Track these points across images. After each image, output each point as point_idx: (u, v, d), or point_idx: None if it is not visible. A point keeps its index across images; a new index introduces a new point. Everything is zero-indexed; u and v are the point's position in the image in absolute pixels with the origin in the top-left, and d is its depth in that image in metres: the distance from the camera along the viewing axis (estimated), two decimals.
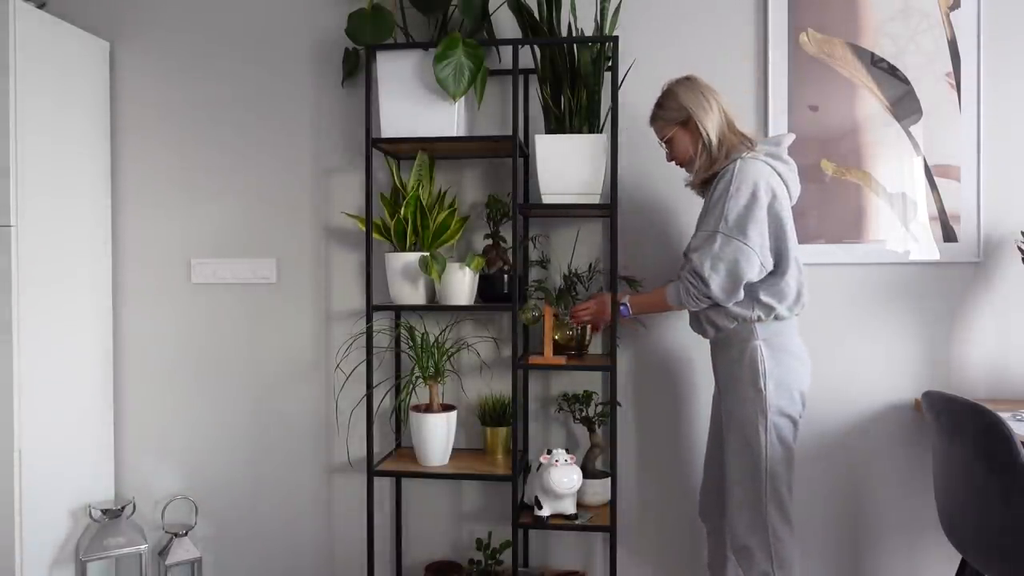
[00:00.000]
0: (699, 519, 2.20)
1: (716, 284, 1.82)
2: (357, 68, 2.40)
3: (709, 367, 2.29)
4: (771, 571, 1.84)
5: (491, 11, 2.31)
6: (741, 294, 1.84)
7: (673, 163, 2.04)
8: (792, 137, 1.97)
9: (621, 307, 2.03)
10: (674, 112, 1.94)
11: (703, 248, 1.84)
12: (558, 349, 2.25)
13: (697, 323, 2.02)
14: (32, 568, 2.20)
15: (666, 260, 2.35)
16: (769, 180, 1.84)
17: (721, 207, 1.82)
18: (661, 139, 2.01)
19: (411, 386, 2.30)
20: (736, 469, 1.88)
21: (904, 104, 2.27)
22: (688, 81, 1.95)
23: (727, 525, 1.93)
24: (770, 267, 1.85)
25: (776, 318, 1.87)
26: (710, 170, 1.91)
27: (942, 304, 2.28)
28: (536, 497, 2.13)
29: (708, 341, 2.05)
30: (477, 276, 2.22)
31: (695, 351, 2.35)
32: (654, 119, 2.01)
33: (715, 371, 2.02)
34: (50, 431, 2.27)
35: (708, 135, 1.89)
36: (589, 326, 2.24)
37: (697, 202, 2.33)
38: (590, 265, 2.35)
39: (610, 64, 2.15)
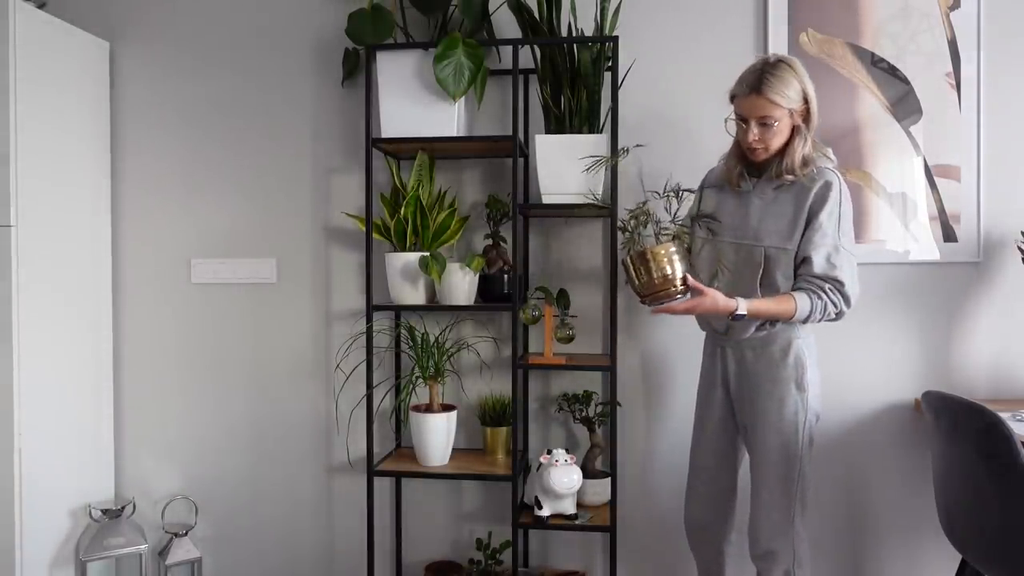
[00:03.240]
0: (687, 534, 2.07)
1: (854, 302, 1.78)
2: (357, 68, 2.40)
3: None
4: (792, 570, 1.83)
5: (491, 11, 2.31)
6: (846, 296, 1.79)
7: (753, 143, 1.79)
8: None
9: (734, 318, 1.75)
10: (793, 98, 1.76)
11: (842, 266, 1.75)
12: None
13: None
14: (32, 568, 2.20)
15: None
16: (846, 199, 1.81)
17: (836, 221, 1.76)
18: (759, 118, 1.76)
19: (411, 386, 2.30)
20: (768, 473, 1.84)
21: (904, 104, 2.27)
22: (800, 67, 1.79)
23: (751, 530, 1.88)
24: None
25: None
26: (800, 171, 1.79)
27: (942, 304, 2.28)
28: (536, 497, 2.13)
29: (726, 341, 1.93)
30: (477, 276, 2.22)
31: (695, 351, 2.34)
32: (766, 90, 1.73)
33: (740, 373, 1.90)
34: (50, 431, 2.27)
35: (809, 136, 1.80)
36: None
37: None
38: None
39: (610, 64, 2.16)
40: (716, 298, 1.74)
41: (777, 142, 1.79)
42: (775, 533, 1.83)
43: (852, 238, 1.81)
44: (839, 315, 1.78)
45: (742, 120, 1.79)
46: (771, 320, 1.81)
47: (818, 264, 1.75)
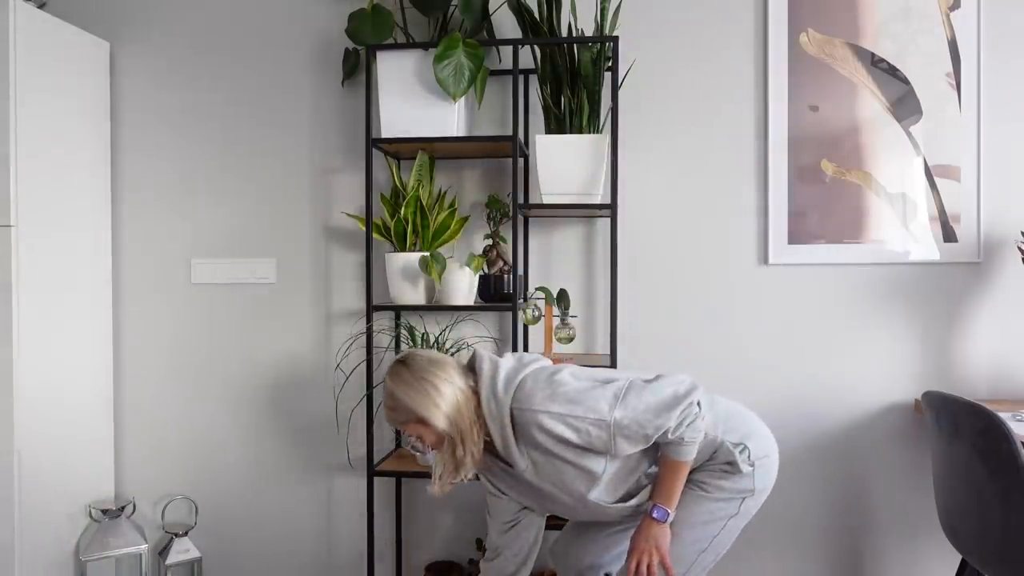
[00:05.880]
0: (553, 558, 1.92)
1: (683, 390, 1.55)
2: (357, 68, 2.40)
3: (710, 364, 2.30)
4: None
5: (491, 11, 2.31)
6: (686, 380, 1.58)
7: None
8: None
9: (659, 517, 1.60)
10: (403, 415, 1.59)
11: (643, 427, 1.51)
12: None
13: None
14: (32, 568, 2.20)
15: (666, 260, 2.35)
16: (556, 372, 1.59)
17: (586, 422, 1.51)
18: (410, 435, 1.65)
19: None
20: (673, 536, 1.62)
21: (904, 104, 2.27)
22: (400, 374, 1.59)
23: None
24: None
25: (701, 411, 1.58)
26: (513, 443, 1.57)
27: (942, 304, 2.28)
28: None
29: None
30: (477, 276, 2.22)
31: (696, 349, 2.34)
32: (390, 421, 1.66)
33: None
34: (50, 431, 2.27)
35: (445, 429, 1.56)
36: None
37: (700, 202, 2.34)
38: None
39: (610, 64, 2.16)
40: (642, 532, 1.61)
41: (435, 443, 1.62)
42: None
43: (589, 394, 1.54)
44: (700, 411, 1.55)
45: None
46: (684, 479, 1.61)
47: (638, 442, 1.54)
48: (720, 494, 1.64)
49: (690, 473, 1.63)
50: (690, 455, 1.57)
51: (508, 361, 1.63)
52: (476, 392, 1.60)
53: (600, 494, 1.61)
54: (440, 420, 1.56)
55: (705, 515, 1.65)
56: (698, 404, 1.55)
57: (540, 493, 1.67)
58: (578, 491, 1.60)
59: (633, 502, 1.64)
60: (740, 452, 1.62)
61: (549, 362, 1.69)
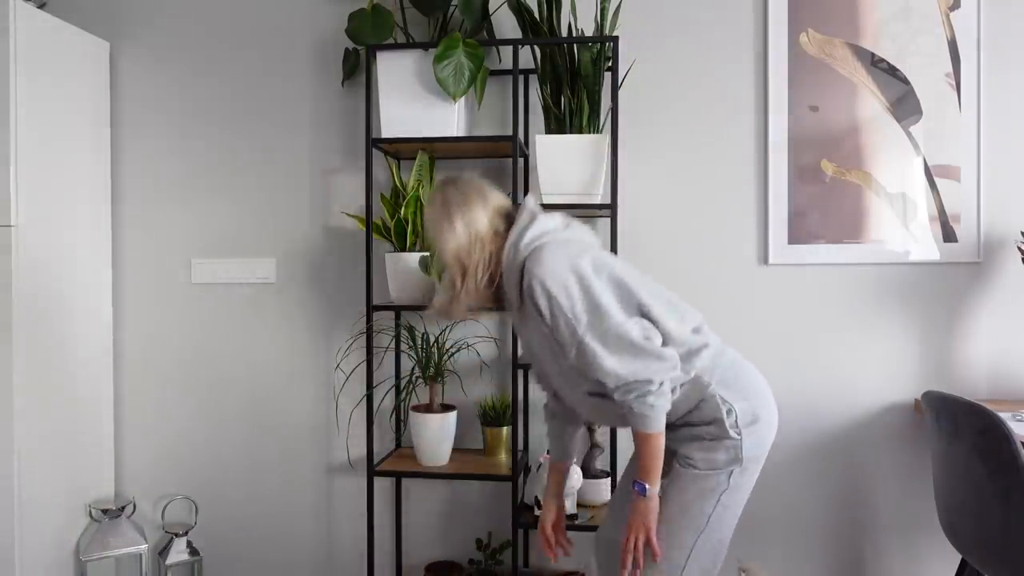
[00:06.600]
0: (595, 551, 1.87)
1: (658, 369, 1.47)
2: (357, 68, 2.40)
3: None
4: None
5: (491, 11, 2.31)
6: (667, 362, 1.49)
7: None
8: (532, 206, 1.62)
9: (639, 492, 1.56)
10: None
11: (594, 361, 1.47)
12: None
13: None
14: (32, 568, 2.20)
15: (666, 260, 2.36)
16: (579, 257, 1.51)
17: (562, 312, 1.48)
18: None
19: (411, 386, 2.30)
20: (669, 509, 1.59)
21: (904, 104, 2.28)
22: (434, 199, 1.64)
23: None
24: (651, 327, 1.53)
25: (699, 357, 1.55)
26: (511, 278, 1.56)
27: (942, 304, 2.28)
28: (536, 497, 2.13)
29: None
30: None
31: None
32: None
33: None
34: (50, 431, 2.27)
35: (447, 260, 1.60)
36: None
37: (700, 202, 2.35)
38: None
39: (610, 64, 2.16)
40: (632, 509, 1.58)
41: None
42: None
43: (594, 308, 1.48)
44: (654, 384, 1.47)
45: None
46: (661, 453, 1.55)
47: (584, 370, 1.51)
48: (706, 466, 1.58)
49: (675, 445, 1.60)
50: (650, 427, 1.50)
51: (548, 222, 1.59)
52: (503, 235, 1.60)
53: (562, 375, 1.60)
54: (445, 252, 1.59)
55: (695, 493, 1.59)
56: (661, 384, 1.48)
57: (526, 343, 1.68)
58: (545, 358, 1.61)
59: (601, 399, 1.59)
60: (727, 413, 1.57)
61: (593, 241, 1.65)
